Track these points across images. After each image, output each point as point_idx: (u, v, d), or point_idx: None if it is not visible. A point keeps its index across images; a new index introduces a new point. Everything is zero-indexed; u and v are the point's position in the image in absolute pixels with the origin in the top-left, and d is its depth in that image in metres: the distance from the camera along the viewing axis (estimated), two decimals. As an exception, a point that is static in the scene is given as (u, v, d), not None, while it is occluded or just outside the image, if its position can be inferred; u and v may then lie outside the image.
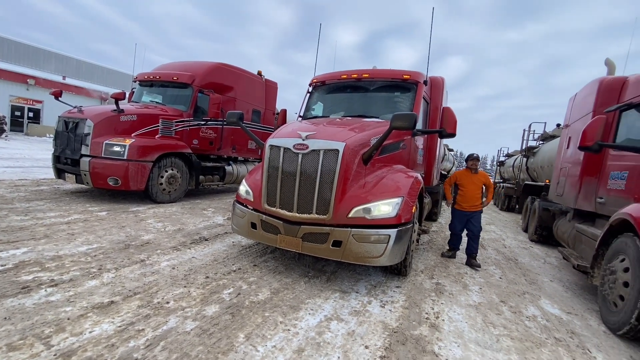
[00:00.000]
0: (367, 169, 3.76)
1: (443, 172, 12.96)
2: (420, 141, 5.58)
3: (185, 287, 3.21)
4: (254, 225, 3.88)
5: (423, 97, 5.31)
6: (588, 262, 3.91)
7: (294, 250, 3.62)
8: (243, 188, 4.23)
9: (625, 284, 3.05)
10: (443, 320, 3.09)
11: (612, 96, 4.75)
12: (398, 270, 4.03)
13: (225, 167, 9.04)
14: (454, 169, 16.18)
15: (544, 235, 7.13)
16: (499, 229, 9.13)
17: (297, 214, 3.54)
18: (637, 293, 2.83)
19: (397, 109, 4.94)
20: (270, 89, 10.63)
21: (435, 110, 5.84)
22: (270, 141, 3.81)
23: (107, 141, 6.34)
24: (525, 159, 11.21)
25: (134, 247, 4.21)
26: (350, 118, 4.77)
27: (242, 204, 4.16)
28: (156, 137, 7.03)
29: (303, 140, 3.56)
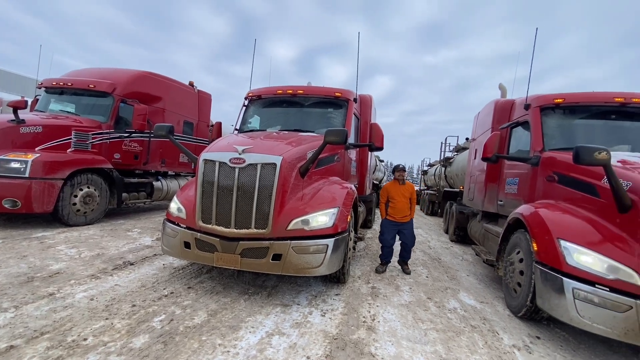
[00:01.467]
0: (305, 181, 3.88)
1: (375, 181, 13.84)
2: (353, 154, 5.94)
3: (107, 319, 2.88)
4: (187, 245, 3.68)
5: (354, 114, 5.69)
6: (494, 256, 4.57)
7: (232, 267, 3.52)
8: (174, 205, 3.99)
9: (521, 273, 3.64)
10: (379, 321, 3.30)
11: (504, 115, 5.71)
12: (337, 279, 4.18)
13: (153, 183, 8.37)
14: (385, 178, 17.40)
15: (461, 235, 8.08)
16: (425, 232, 10.05)
17: (235, 230, 3.47)
18: (530, 279, 3.39)
19: (331, 124, 5.21)
20: (203, 100, 10.25)
21: (365, 125, 6.28)
22: (205, 155, 3.69)
23: (1, 156, 5.40)
24: (443, 168, 12.63)
25: (39, 279, 3.63)
26: (286, 132, 4.88)
27: (173, 222, 3.91)
28: (68, 151, 6.22)
29: (240, 154, 3.53)
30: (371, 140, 5.21)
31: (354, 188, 4.49)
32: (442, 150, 14.17)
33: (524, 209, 3.79)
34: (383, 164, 19.01)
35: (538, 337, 3.26)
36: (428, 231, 10.28)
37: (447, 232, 9.76)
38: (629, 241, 2.86)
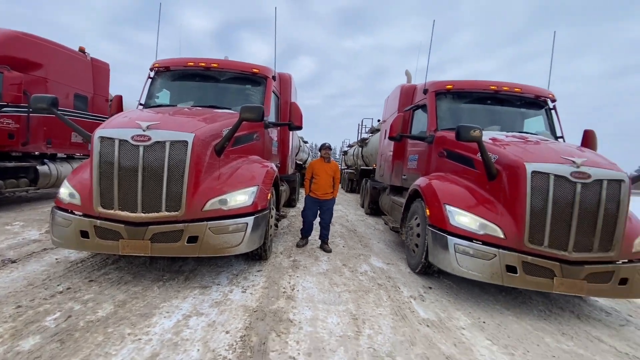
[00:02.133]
0: (221, 160, 3.76)
1: (299, 162, 14.07)
2: (274, 133, 5.92)
3: (-20, 325, 2.44)
4: (84, 234, 3.28)
5: (273, 92, 5.63)
6: (399, 223, 5.19)
7: (142, 254, 3.28)
8: (65, 191, 3.48)
9: (418, 235, 4.23)
10: (298, 290, 3.51)
11: (408, 99, 6.34)
12: (259, 256, 4.24)
13: (38, 167, 7.06)
14: (309, 159, 17.82)
15: (374, 208, 8.88)
16: (344, 207, 10.75)
17: (142, 214, 3.21)
18: (424, 240, 3.98)
19: (249, 102, 5.08)
20: (99, 70, 8.85)
21: (285, 104, 6.28)
22: (100, 132, 3.27)
23: None
24: (360, 149, 13.49)
25: None
26: (200, 108, 4.60)
27: (65, 210, 3.43)
28: None
29: (144, 130, 3.23)
30: (290, 119, 5.26)
31: (274, 167, 4.53)
32: (359, 131, 15.09)
33: (420, 181, 4.37)
34: (308, 145, 19.36)
35: (430, 288, 3.88)
36: (347, 206, 11.01)
37: (363, 207, 10.60)
38: (495, 203, 3.57)
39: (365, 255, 5.02)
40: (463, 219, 3.52)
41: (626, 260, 3.30)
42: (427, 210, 3.89)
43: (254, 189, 3.68)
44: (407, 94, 6.41)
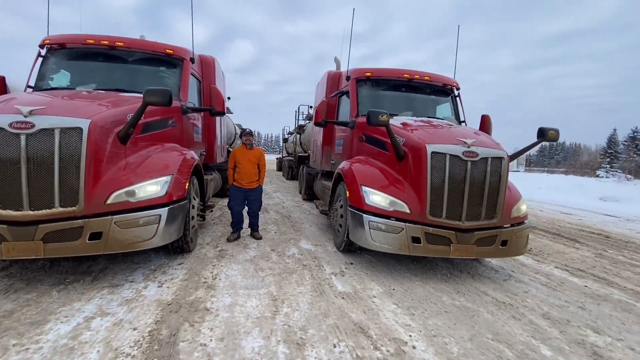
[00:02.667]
0: (128, 148, 3.48)
1: (235, 150, 13.55)
2: (198, 120, 5.62)
3: None
4: (-46, 239, 2.79)
5: (193, 75, 5.31)
6: (327, 207, 5.38)
7: (34, 257, 2.92)
8: None
9: (342, 216, 4.45)
10: (220, 279, 3.46)
11: (335, 85, 6.50)
12: (180, 248, 4.05)
13: None
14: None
15: (310, 193, 9.05)
16: (282, 194, 10.78)
17: (30, 212, 2.84)
18: (346, 220, 4.21)
19: (164, 85, 4.71)
20: (-23, 46, 7.36)
21: (209, 89, 5.97)
22: (-33, 119, 2.77)
23: None
24: (298, 135, 13.52)
25: None
26: (103, 92, 4.15)
27: None
28: None
29: (25, 116, 2.82)
30: (211, 104, 5.03)
31: (194, 155, 4.31)
32: (296, 118, 15.06)
33: (343, 165, 4.58)
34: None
35: (351, 264, 4.14)
36: (285, 194, 11.06)
37: (301, 193, 10.73)
38: (403, 182, 3.89)
39: (295, 239, 5.13)
40: (376, 197, 3.78)
41: (508, 225, 3.90)
42: (348, 192, 4.10)
43: (167, 178, 3.48)
44: (333, 80, 6.56)
